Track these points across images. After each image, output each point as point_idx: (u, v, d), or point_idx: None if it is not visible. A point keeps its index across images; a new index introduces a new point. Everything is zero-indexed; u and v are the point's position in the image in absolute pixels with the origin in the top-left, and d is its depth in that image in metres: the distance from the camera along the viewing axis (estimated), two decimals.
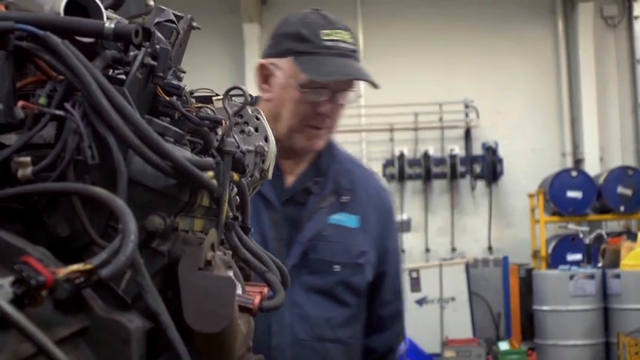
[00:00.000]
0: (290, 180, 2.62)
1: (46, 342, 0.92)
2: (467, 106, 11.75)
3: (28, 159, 1.18)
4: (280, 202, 2.56)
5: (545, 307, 9.40)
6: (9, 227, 1.13)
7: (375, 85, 2.44)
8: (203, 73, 8.62)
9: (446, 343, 8.95)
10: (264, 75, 2.53)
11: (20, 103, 1.21)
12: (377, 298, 2.73)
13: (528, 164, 11.86)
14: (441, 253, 11.60)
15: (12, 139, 1.23)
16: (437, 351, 9.10)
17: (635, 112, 11.83)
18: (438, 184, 11.78)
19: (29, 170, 1.18)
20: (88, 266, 1.02)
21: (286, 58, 2.45)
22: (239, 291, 1.31)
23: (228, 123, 1.41)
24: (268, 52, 2.56)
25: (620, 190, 10.60)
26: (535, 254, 11.27)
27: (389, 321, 2.80)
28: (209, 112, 1.43)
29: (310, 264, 2.53)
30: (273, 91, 2.51)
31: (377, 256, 2.69)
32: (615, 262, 8.75)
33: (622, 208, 10.65)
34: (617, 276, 8.39)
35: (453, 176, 11.74)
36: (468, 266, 9.98)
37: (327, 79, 2.39)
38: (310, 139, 2.52)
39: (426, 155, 11.50)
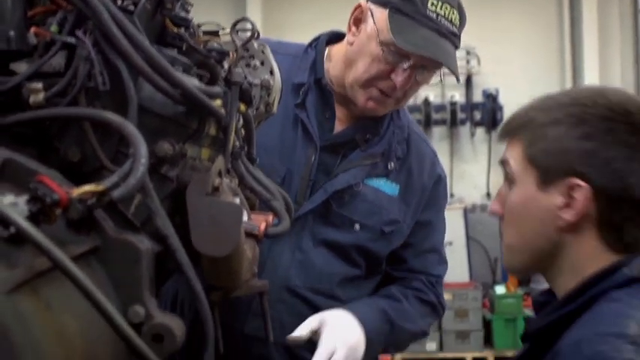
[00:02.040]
0: (339, 127, 2.45)
1: (61, 257, 0.95)
2: (468, 53, 11.69)
3: (40, 85, 1.21)
4: (321, 143, 2.39)
5: None
6: (22, 151, 1.16)
7: (457, 77, 2.32)
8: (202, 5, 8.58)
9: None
10: (357, 17, 2.36)
11: (32, 29, 1.23)
12: (398, 266, 2.57)
13: None
14: None
15: (22, 67, 1.26)
16: None
17: (636, 63, 11.79)
18: (437, 131, 11.75)
19: (41, 96, 1.20)
20: (101, 187, 1.05)
21: (384, 9, 2.27)
22: (245, 218, 1.34)
23: (235, 55, 1.43)
24: None
25: None
26: None
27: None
28: (215, 45, 1.46)
29: (330, 216, 2.39)
30: (358, 37, 2.33)
31: (409, 228, 2.52)
32: None
33: None
34: None
35: (453, 123, 11.70)
36: (466, 211, 10.03)
37: (409, 49, 2.22)
38: (371, 101, 2.32)
39: (426, 102, 11.45)
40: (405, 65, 2.25)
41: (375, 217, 2.42)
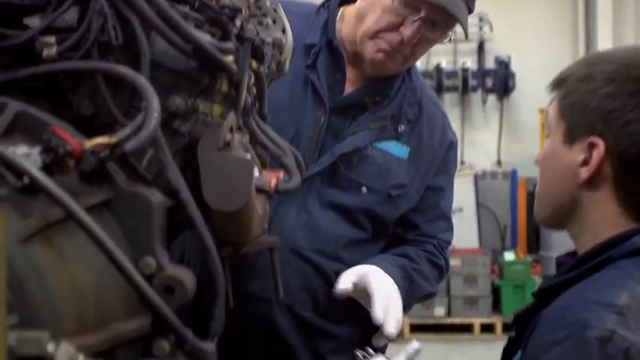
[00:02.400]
0: (350, 89, 2.42)
1: (74, 207, 0.97)
2: (481, 19, 11.63)
3: (53, 39, 1.21)
4: (331, 105, 2.37)
5: None
6: (35, 105, 1.17)
7: (465, 33, 2.30)
8: None
9: (451, 252, 9.04)
10: None
11: None
12: (411, 231, 2.56)
13: (541, 79, 11.73)
14: None
15: (36, 22, 1.26)
16: None
17: None
18: (449, 97, 11.72)
19: (54, 50, 1.21)
20: (113, 140, 1.06)
21: None
22: (256, 174, 1.35)
23: (247, 12, 1.43)
24: None
25: None
26: None
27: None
28: (228, 1, 1.46)
29: (338, 178, 2.37)
30: None
31: (418, 193, 2.51)
32: None
33: None
34: None
35: (465, 90, 11.67)
36: (476, 178, 10.03)
37: None
38: (378, 53, 2.29)
39: (438, 68, 11.41)
40: (415, 18, 2.23)
41: (382, 181, 2.41)
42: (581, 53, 11.68)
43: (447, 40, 2.35)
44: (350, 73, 2.42)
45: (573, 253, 1.73)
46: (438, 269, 2.56)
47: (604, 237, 1.58)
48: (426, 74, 10.96)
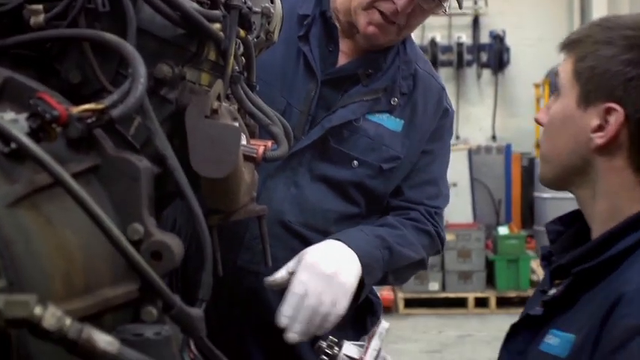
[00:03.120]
0: (343, 61, 2.40)
1: (61, 172, 0.97)
2: None
3: (40, 7, 1.22)
4: (322, 77, 2.35)
5: (545, 195, 9.52)
6: (23, 72, 1.17)
7: (459, 4, 2.29)
8: None
9: (446, 227, 9.05)
10: None
11: None
12: (395, 197, 2.50)
13: (535, 54, 11.77)
14: None
15: None
16: None
17: None
18: (444, 72, 11.71)
19: (41, 17, 1.21)
20: (100, 106, 1.07)
21: None
22: (244, 141, 1.36)
23: None
24: None
25: None
26: (538, 144, 11.31)
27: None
28: None
29: (328, 152, 2.34)
30: None
31: (412, 165, 2.48)
32: None
33: None
34: None
35: (460, 64, 11.69)
36: (470, 152, 10.05)
37: None
38: (371, 25, 2.28)
39: (432, 42, 11.42)
40: None
41: (374, 154, 2.39)
42: (576, 26, 11.66)
43: (442, 10, 2.32)
44: (344, 44, 2.40)
45: (560, 220, 1.74)
46: (427, 235, 2.47)
47: (623, 206, 1.58)
48: (421, 49, 10.89)
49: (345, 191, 2.38)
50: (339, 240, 2.20)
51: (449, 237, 8.97)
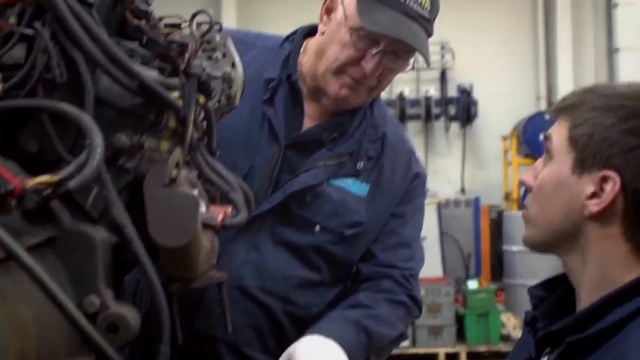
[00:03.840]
0: (309, 125, 2.38)
1: (15, 247, 0.96)
2: (443, 47, 11.74)
3: None
4: (287, 142, 2.33)
5: (514, 248, 9.55)
6: None
7: (427, 61, 2.27)
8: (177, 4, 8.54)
9: None
10: (328, 7, 2.32)
11: None
12: (368, 261, 2.46)
13: (503, 107, 11.88)
14: None
15: None
16: None
17: (609, 56, 11.85)
18: (412, 125, 11.79)
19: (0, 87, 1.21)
20: (56, 178, 1.07)
21: None
22: (203, 209, 1.35)
23: (194, 46, 1.44)
24: None
25: None
26: (507, 196, 11.38)
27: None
28: (177, 37, 1.47)
29: (290, 216, 2.31)
30: (329, 26, 2.29)
31: (378, 228, 2.44)
32: None
33: None
34: None
35: (428, 118, 11.75)
36: (439, 206, 10.06)
37: (375, 29, 2.17)
38: (342, 89, 2.26)
39: (401, 96, 11.49)
40: (375, 51, 2.20)
41: (337, 219, 2.35)
42: (542, 81, 11.85)
43: (410, 67, 2.32)
44: (309, 108, 2.38)
45: (543, 285, 1.74)
46: (402, 307, 2.42)
47: (615, 274, 1.57)
48: (389, 102, 11.03)
49: (307, 257, 2.35)
50: (319, 334, 2.15)
51: None
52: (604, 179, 1.55)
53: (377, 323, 2.31)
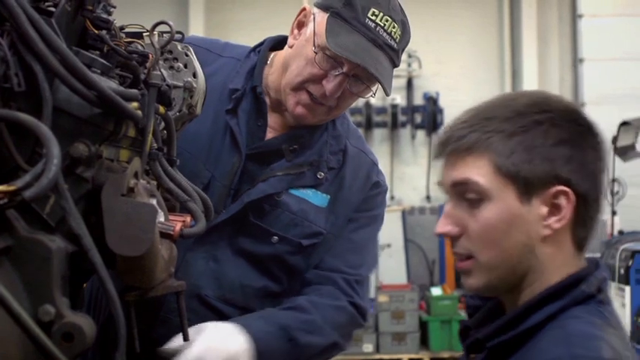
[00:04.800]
0: (269, 135, 2.38)
1: None
2: (410, 56, 11.78)
3: None
4: (247, 152, 2.33)
5: None
6: None
7: (386, 92, 2.25)
8: (144, 11, 8.52)
9: (380, 288, 9.06)
10: (300, 21, 2.34)
11: None
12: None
13: None
14: None
15: None
16: (371, 296, 9.18)
17: (574, 66, 11.95)
18: (379, 133, 11.79)
19: None
20: (12, 187, 1.06)
21: (325, 14, 2.24)
22: (161, 218, 1.36)
23: (154, 56, 1.44)
24: (320, 0, 2.31)
25: None
26: None
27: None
28: (138, 47, 1.47)
29: (248, 226, 2.32)
30: (297, 41, 2.31)
31: (337, 239, 2.45)
32: None
33: None
34: None
35: (394, 125, 11.77)
36: (404, 213, 10.09)
37: (337, 51, 2.17)
38: (299, 106, 2.28)
39: (367, 104, 11.50)
40: (337, 72, 2.21)
41: (296, 229, 2.36)
42: (508, 89, 11.90)
43: (371, 94, 2.31)
44: (272, 120, 2.39)
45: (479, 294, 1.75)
46: (344, 313, 2.40)
47: (553, 279, 1.56)
48: (355, 110, 11.03)
49: (266, 267, 2.36)
50: (236, 325, 2.14)
51: (383, 298, 9.03)
52: (555, 195, 1.53)
53: (309, 331, 2.29)
